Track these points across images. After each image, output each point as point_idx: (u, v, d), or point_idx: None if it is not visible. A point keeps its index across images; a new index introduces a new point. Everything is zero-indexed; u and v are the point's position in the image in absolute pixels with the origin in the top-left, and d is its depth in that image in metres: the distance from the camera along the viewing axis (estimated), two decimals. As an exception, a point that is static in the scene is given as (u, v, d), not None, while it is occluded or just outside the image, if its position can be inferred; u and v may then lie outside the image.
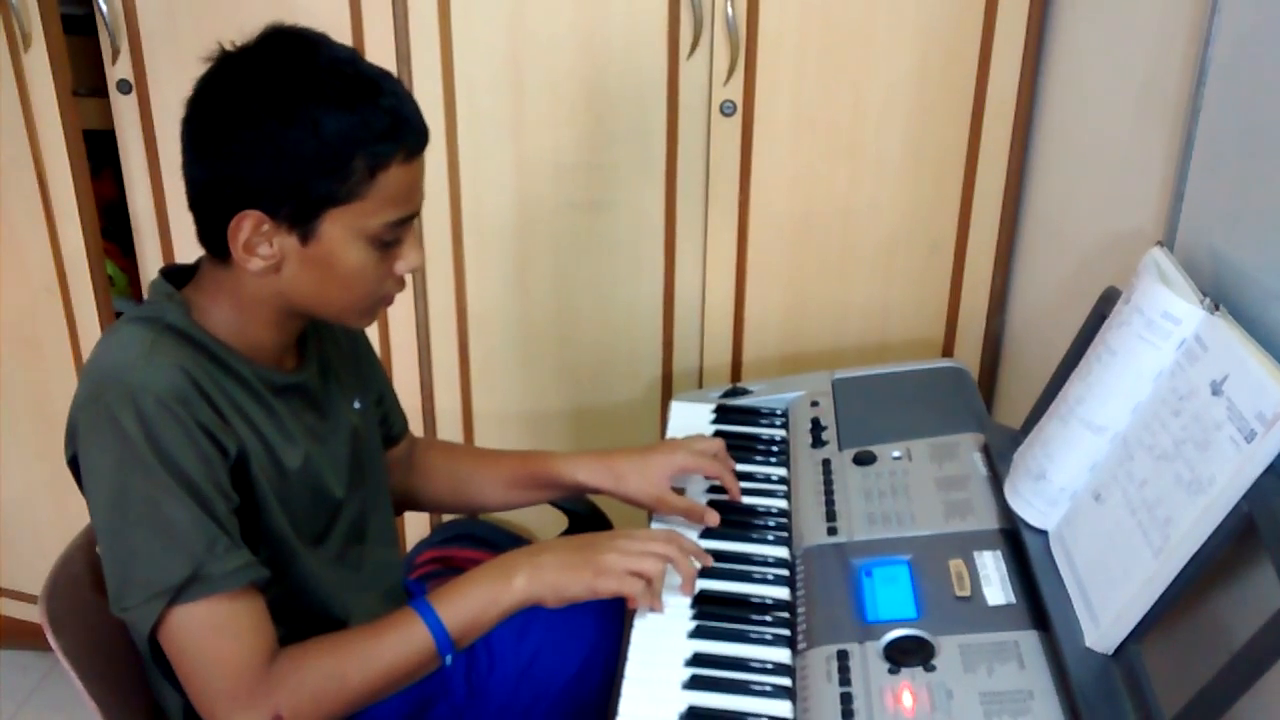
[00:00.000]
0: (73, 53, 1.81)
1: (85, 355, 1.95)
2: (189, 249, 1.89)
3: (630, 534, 1.17)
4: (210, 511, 1.02)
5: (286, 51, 1.05)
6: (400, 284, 1.14)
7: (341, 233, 1.05)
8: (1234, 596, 1.02)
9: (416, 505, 1.48)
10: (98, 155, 1.92)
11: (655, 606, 1.15)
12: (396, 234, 1.09)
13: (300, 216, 1.04)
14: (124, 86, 1.81)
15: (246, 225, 1.04)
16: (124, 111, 1.83)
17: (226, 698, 1.03)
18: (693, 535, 1.29)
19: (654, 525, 1.34)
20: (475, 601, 1.11)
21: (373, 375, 1.35)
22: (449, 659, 1.10)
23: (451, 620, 1.10)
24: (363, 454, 1.28)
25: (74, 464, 1.08)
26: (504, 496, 1.43)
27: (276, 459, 1.12)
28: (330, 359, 1.26)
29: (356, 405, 1.28)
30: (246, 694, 1.03)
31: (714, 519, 1.30)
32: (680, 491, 1.35)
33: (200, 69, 1.80)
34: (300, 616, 1.15)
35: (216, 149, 1.05)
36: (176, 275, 1.15)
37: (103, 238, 1.94)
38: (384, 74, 1.07)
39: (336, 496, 1.22)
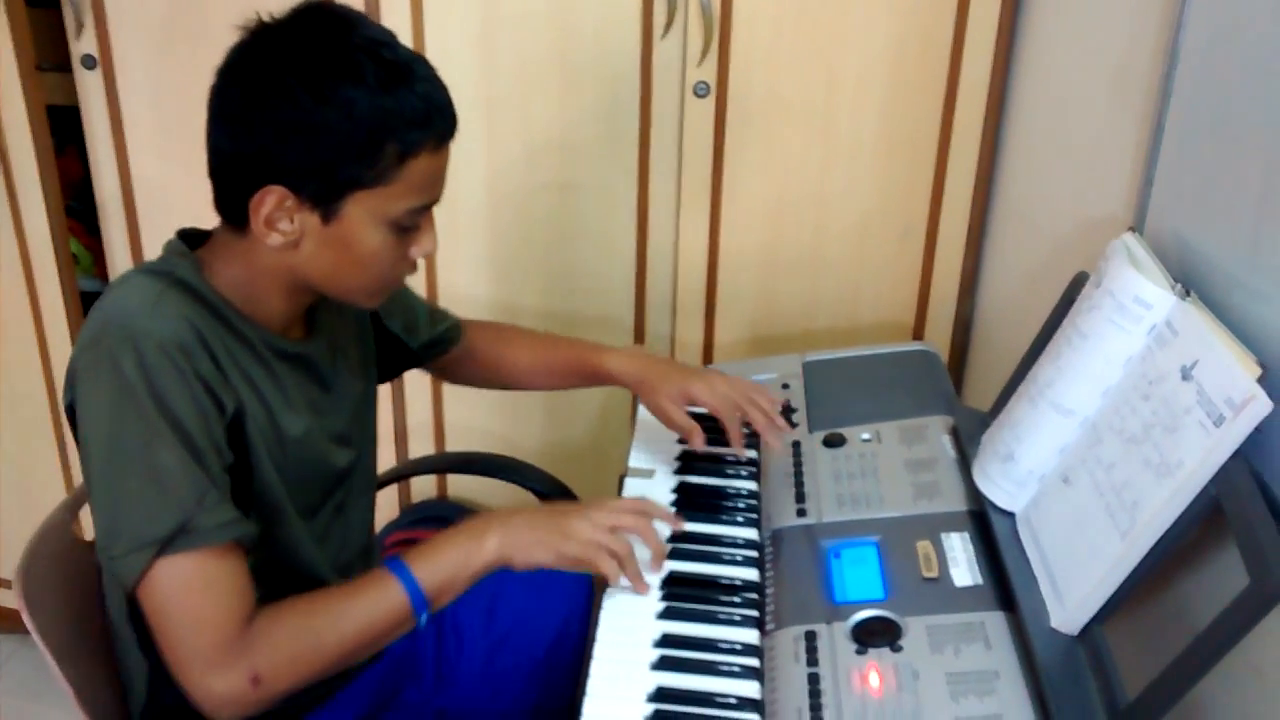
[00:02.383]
0: (35, 26, 1.78)
1: (49, 335, 1.93)
2: (156, 226, 1.88)
3: (601, 504, 1.17)
4: (202, 463, 1.02)
5: (323, 27, 1.04)
6: (413, 268, 1.14)
7: (364, 215, 1.05)
8: (1199, 579, 1.03)
9: (461, 383, 1.53)
10: (62, 131, 1.89)
11: (639, 588, 1.15)
12: (416, 220, 1.09)
13: (325, 196, 1.04)
14: (88, 61, 1.78)
15: (270, 201, 1.04)
16: (89, 87, 1.80)
17: (203, 659, 1.02)
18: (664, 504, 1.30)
19: (631, 465, 1.36)
20: (449, 561, 1.11)
21: (404, 313, 1.39)
22: (423, 619, 1.10)
23: (426, 580, 1.09)
24: (359, 429, 1.28)
25: (71, 410, 1.06)
26: (549, 381, 1.49)
27: (276, 423, 1.12)
28: (338, 333, 1.25)
29: (361, 381, 1.28)
30: (224, 655, 1.02)
31: (699, 441, 1.34)
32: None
33: (167, 44, 1.78)
34: (281, 580, 1.14)
35: (246, 121, 1.04)
36: (192, 239, 1.15)
37: (67, 216, 1.92)
38: (418, 58, 1.06)
39: (337, 466, 1.22)
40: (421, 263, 1.82)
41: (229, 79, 1.05)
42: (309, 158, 1.02)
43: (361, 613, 1.08)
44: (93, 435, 1.02)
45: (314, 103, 1.01)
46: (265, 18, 1.05)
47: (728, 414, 1.35)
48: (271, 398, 1.11)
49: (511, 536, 1.11)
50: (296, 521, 1.16)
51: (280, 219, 1.05)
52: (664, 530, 1.21)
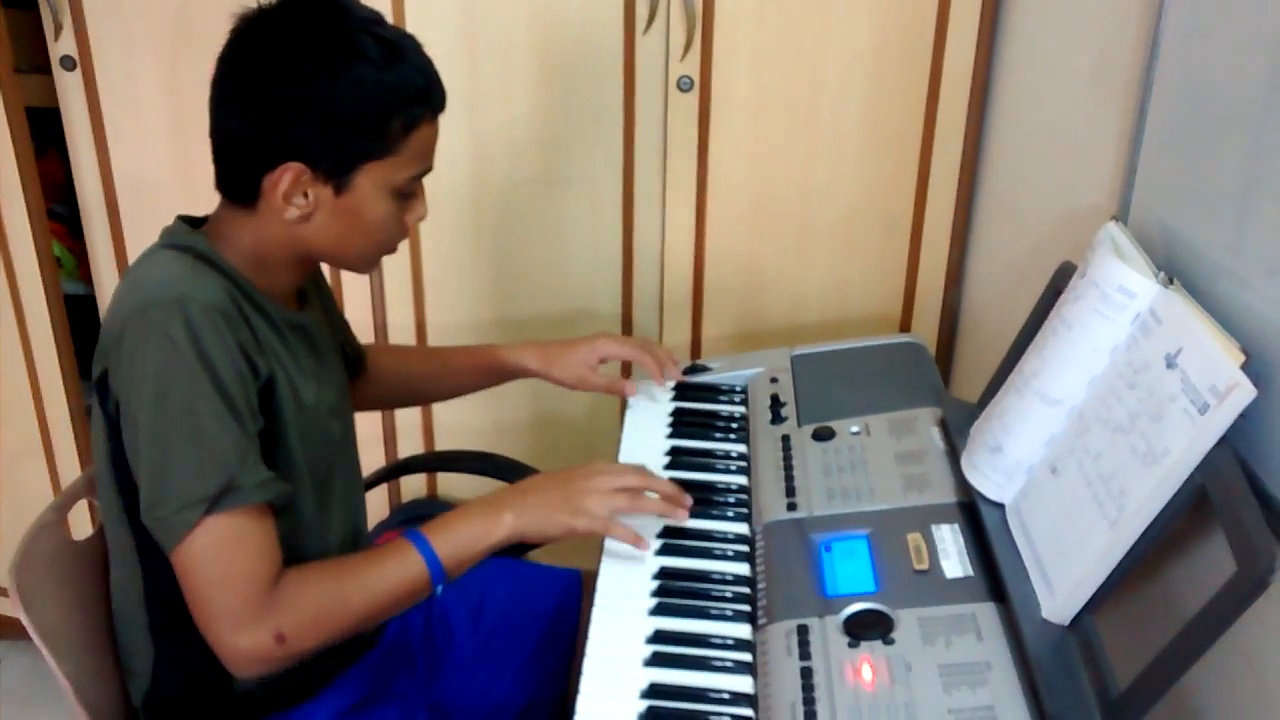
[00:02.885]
0: (13, 28, 1.76)
1: (34, 339, 1.92)
2: (139, 227, 1.87)
3: (608, 469, 1.21)
4: (241, 424, 1.06)
5: (320, 10, 1.09)
6: (406, 233, 1.20)
7: (372, 185, 1.12)
8: (1187, 567, 1.03)
9: (371, 408, 1.56)
10: (42, 134, 1.87)
11: (636, 542, 1.19)
12: (414, 187, 1.16)
13: (339, 170, 1.10)
14: (68, 63, 1.77)
15: (288, 177, 1.09)
16: (68, 88, 1.79)
17: (232, 616, 1.05)
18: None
19: (621, 461, 1.37)
20: (466, 536, 1.15)
21: (335, 308, 1.41)
22: (440, 589, 1.14)
23: (444, 553, 1.13)
24: (344, 403, 1.31)
25: (101, 381, 1.09)
26: (454, 387, 1.55)
27: (296, 392, 1.16)
28: (321, 314, 1.30)
29: (339, 360, 1.32)
30: (252, 612, 1.05)
31: (631, 389, 1.47)
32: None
33: (147, 44, 1.77)
34: (288, 554, 1.15)
35: (260, 103, 1.08)
36: (189, 223, 1.18)
37: (50, 219, 1.90)
38: (407, 34, 1.14)
39: (335, 437, 1.25)
40: (408, 260, 1.85)
41: (236, 64, 1.10)
42: (325, 134, 1.08)
43: (383, 580, 1.12)
44: (139, 398, 1.04)
45: (329, 82, 1.06)
46: (259, 6, 1.10)
47: (640, 355, 1.49)
48: (290, 367, 1.15)
49: (526, 515, 1.16)
50: (308, 492, 1.19)
51: (295, 194, 1.10)
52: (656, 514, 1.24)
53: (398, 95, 1.09)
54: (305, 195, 1.10)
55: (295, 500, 1.16)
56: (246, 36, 1.09)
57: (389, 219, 1.15)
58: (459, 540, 1.14)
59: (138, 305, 1.05)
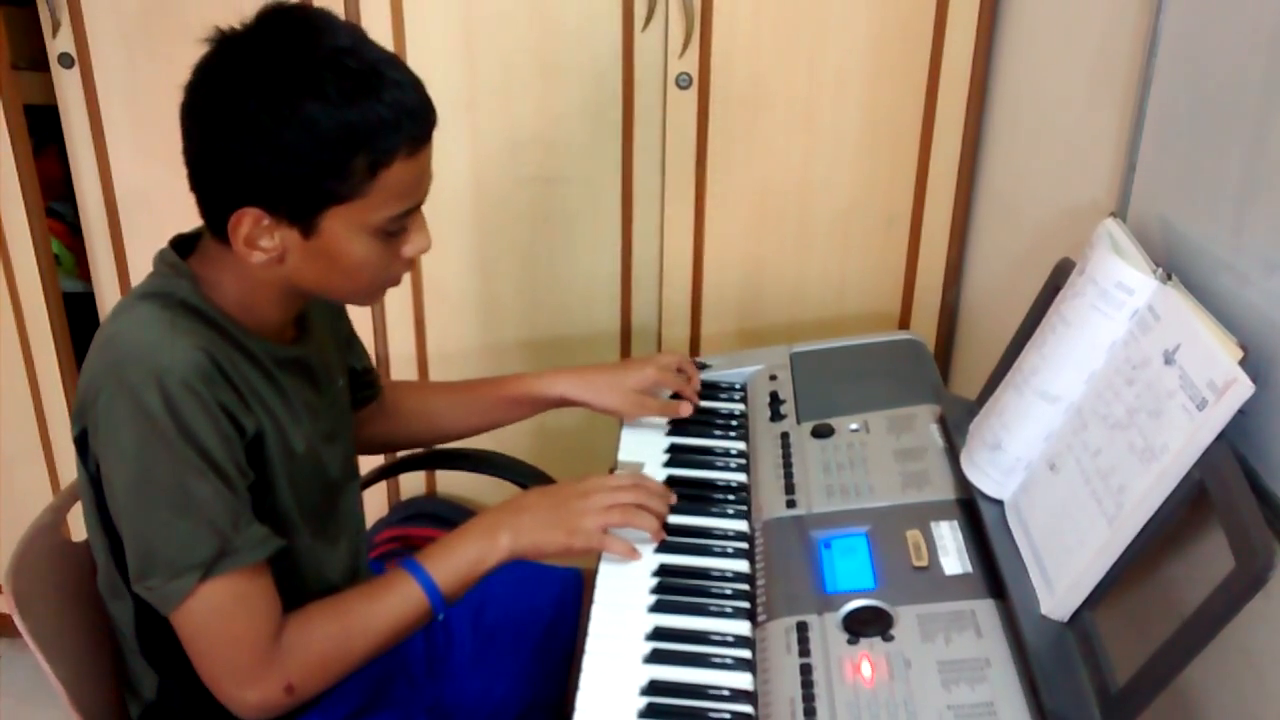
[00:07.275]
0: (11, 25, 1.76)
1: (33, 338, 1.92)
2: (138, 226, 1.87)
3: (601, 485, 1.20)
4: (232, 487, 1.03)
5: (284, 39, 1.01)
6: (408, 265, 1.12)
7: (344, 228, 1.03)
8: (1186, 563, 1.03)
9: (394, 447, 1.53)
10: (40, 131, 1.87)
11: (630, 556, 1.19)
12: (402, 224, 1.07)
13: (300, 214, 1.03)
14: (66, 60, 1.77)
15: (246, 222, 1.02)
16: (67, 86, 1.79)
17: (239, 674, 1.05)
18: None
19: (621, 459, 1.38)
20: (463, 561, 1.14)
21: (347, 332, 1.37)
22: (441, 616, 1.14)
23: (443, 580, 1.13)
24: (343, 421, 1.29)
25: (81, 440, 1.06)
26: (481, 421, 1.47)
27: (286, 440, 1.13)
28: (324, 332, 1.26)
29: (340, 382, 1.29)
30: (259, 669, 1.05)
31: (687, 409, 1.42)
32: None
33: (145, 42, 1.76)
34: (293, 585, 1.15)
35: (214, 143, 1.02)
36: (182, 244, 1.13)
37: (48, 217, 1.90)
38: (387, 59, 1.03)
39: (332, 472, 1.23)
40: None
41: (194, 99, 1.03)
42: (278, 179, 1.01)
43: (384, 615, 1.12)
44: (120, 472, 1.02)
45: (275, 124, 0.98)
46: (227, 29, 1.02)
47: (681, 382, 1.45)
48: (281, 415, 1.12)
49: (523, 536, 1.15)
50: (303, 528, 1.17)
51: (260, 237, 1.04)
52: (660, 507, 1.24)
53: (358, 133, 0.99)
54: (271, 237, 1.03)
55: (292, 541, 1.13)
56: (206, 69, 1.02)
57: (373, 258, 1.06)
58: (456, 566, 1.13)
59: (113, 369, 1.01)
